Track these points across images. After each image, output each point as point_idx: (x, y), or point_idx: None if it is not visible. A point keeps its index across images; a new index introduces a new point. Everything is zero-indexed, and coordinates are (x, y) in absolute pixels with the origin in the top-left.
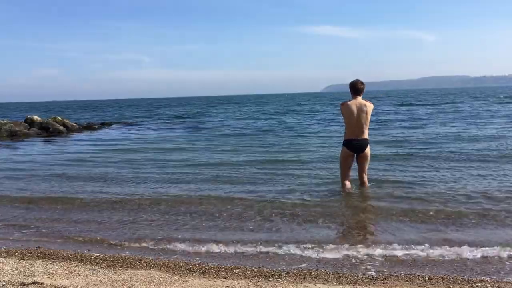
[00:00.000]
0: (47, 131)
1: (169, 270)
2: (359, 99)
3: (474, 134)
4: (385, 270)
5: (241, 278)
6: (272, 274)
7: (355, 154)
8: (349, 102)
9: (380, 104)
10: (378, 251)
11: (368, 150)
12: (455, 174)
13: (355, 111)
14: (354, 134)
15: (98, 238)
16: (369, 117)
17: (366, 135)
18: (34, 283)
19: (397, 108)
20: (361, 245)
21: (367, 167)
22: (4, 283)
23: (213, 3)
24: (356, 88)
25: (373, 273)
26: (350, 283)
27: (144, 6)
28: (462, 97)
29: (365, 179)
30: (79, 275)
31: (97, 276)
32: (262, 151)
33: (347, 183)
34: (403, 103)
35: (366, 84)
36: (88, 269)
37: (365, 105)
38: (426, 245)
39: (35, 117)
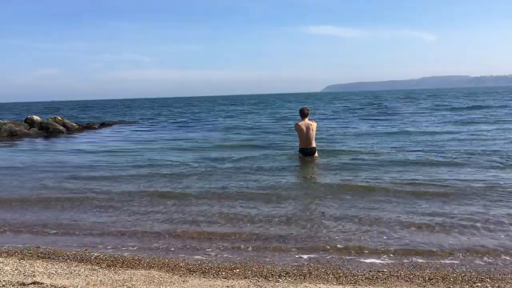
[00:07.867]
0: (47, 131)
1: (169, 270)
2: (306, 120)
3: None
4: (385, 270)
5: (241, 278)
6: (272, 274)
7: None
8: (300, 123)
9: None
10: None
11: (316, 154)
12: None
13: (304, 129)
14: (304, 144)
15: None
16: (314, 132)
17: (313, 144)
18: (34, 283)
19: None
20: None
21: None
22: (4, 283)
23: (213, 3)
24: (303, 112)
25: (373, 273)
26: (350, 283)
27: (144, 6)
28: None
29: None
30: (79, 275)
31: (97, 276)
32: None
33: None
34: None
35: (366, 84)
36: (88, 269)
37: (311, 124)
38: None
39: (35, 117)
